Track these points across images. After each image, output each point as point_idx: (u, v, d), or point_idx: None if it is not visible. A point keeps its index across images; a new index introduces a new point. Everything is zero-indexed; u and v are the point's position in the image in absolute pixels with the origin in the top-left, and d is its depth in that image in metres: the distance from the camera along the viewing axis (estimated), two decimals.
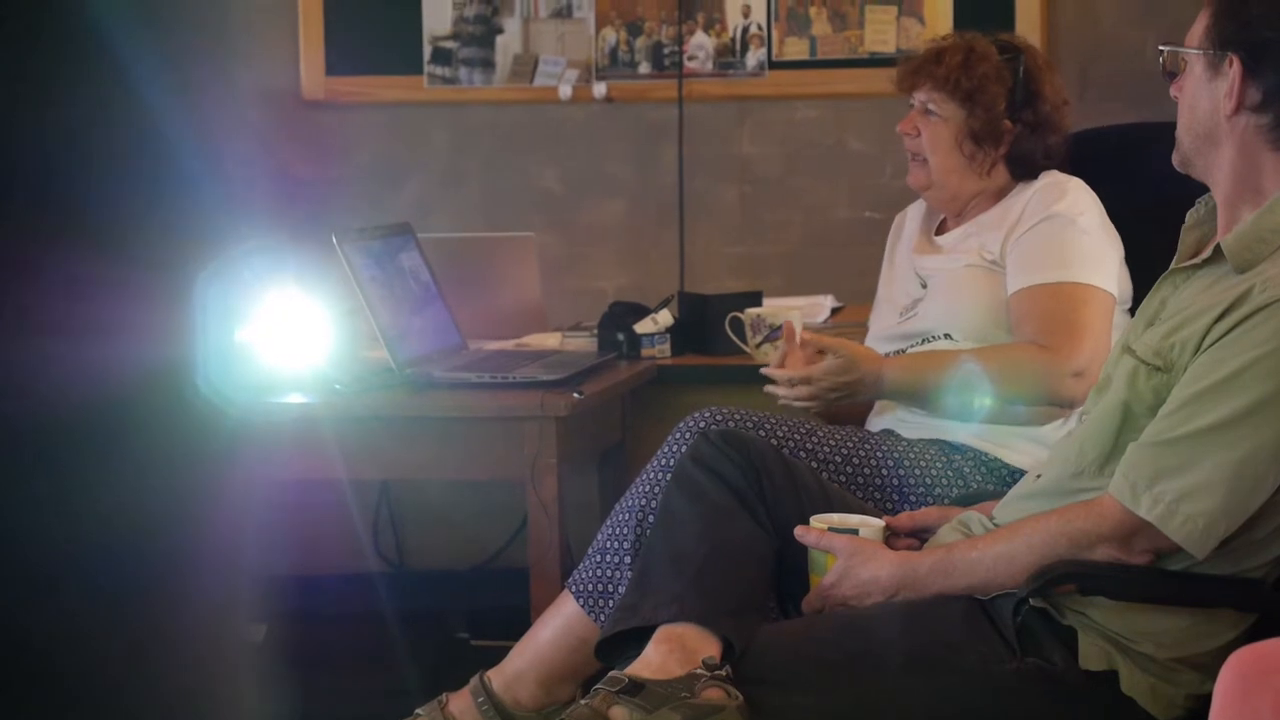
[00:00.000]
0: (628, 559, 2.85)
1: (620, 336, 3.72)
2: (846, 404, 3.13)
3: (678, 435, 2.91)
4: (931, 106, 3.21)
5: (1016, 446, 3.04)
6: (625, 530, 2.89)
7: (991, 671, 2.35)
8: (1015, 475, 2.88)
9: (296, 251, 3.42)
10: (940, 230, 3.31)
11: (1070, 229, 3.07)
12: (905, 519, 2.69)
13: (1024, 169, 3.21)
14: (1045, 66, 3.27)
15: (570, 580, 2.95)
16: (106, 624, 0.69)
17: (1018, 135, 3.19)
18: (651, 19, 4.61)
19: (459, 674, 3.00)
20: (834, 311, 4.04)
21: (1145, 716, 2.32)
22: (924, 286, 3.23)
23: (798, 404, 3.06)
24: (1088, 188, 3.14)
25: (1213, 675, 1.88)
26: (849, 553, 2.50)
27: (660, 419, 3.45)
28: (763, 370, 3.10)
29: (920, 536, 2.66)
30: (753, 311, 3.63)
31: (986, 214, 3.21)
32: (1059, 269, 3.04)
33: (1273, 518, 2.29)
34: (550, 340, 3.82)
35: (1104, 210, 3.12)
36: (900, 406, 3.15)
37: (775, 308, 3.70)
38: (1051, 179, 3.17)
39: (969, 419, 3.05)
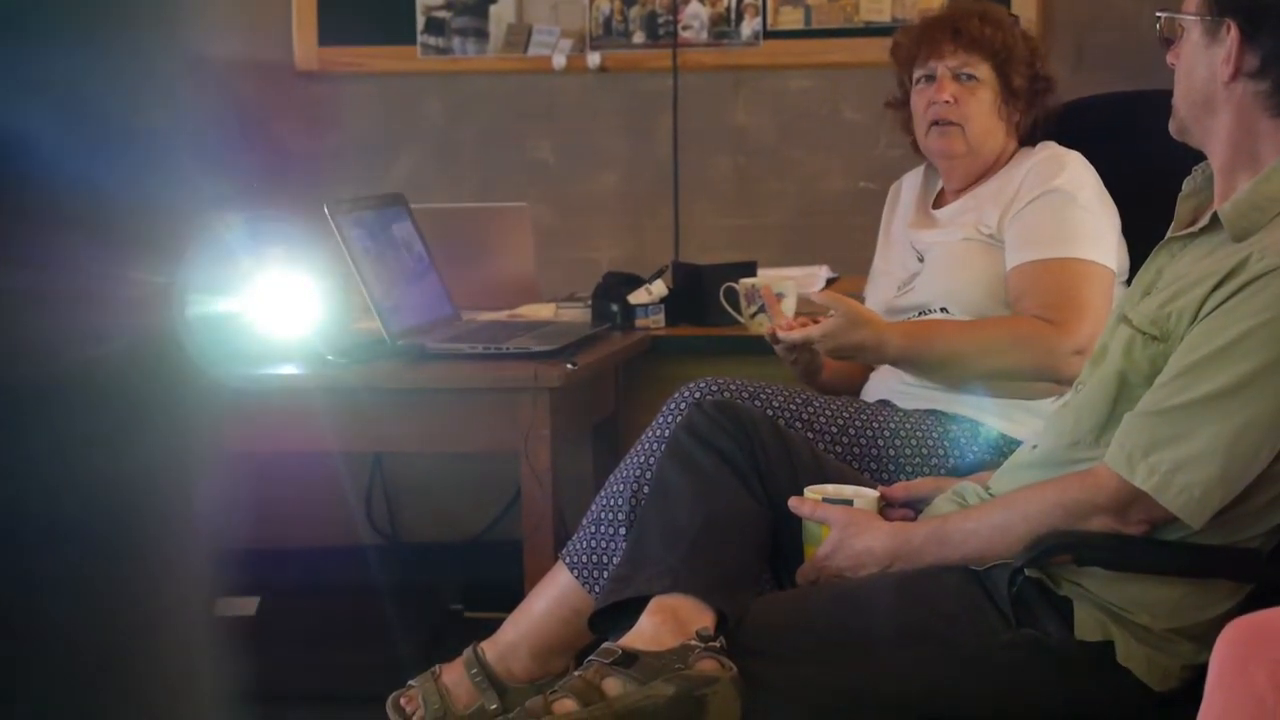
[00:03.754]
0: (622, 530, 2.85)
1: (614, 307, 3.71)
2: (848, 362, 3.14)
3: (672, 406, 2.90)
4: (969, 70, 3.19)
5: (1013, 417, 3.03)
6: (619, 501, 2.89)
7: (987, 642, 2.34)
8: (1011, 446, 2.87)
9: (289, 222, 3.41)
10: (938, 204, 3.30)
11: (1071, 205, 3.06)
12: (900, 489, 2.69)
13: (1030, 132, 3.23)
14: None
15: (564, 551, 2.95)
16: (95, 596, 0.68)
17: (1033, 97, 3.22)
18: None
19: (452, 646, 3.00)
20: (829, 282, 4.02)
21: (1141, 687, 2.31)
22: (920, 260, 3.22)
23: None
24: (1085, 160, 3.13)
25: (1208, 645, 1.87)
26: (843, 523, 2.50)
27: (654, 390, 3.45)
28: (767, 335, 3.06)
29: (915, 507, 2.65)
30: (747, 282, 3.62)
31: (984, 186, 3.20)
32: (1061, 245, 3.03)
33: (1269, 488, 2.28)
34: (544, 311, 3.81)
35: (1101, 183, 3.11)
36: (896, 377, 3.14)
37: (770, 278, 3.69)
38: (1049, 151, 3.16)
39: (968, 389, 3.04)
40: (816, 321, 3.00)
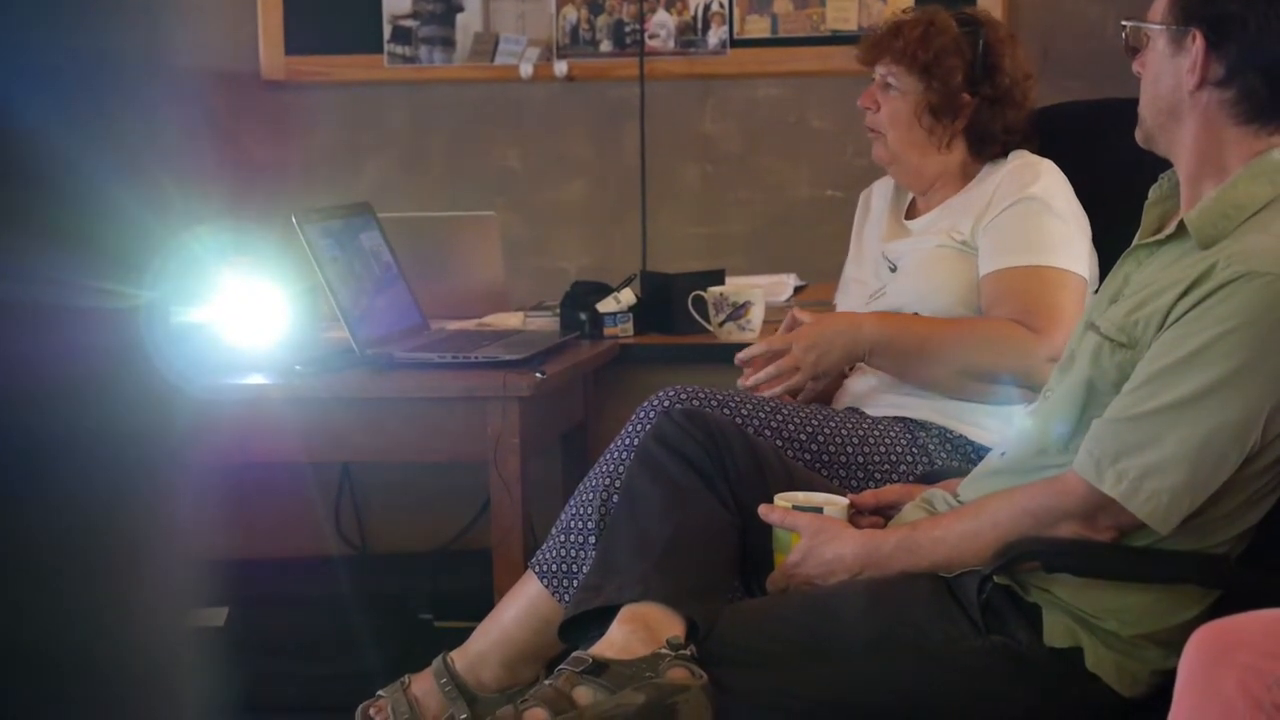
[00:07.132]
0: (591, 539, 2.85)
1: (583, 316, 3.71)
2: (831, 367, 3.10)
3: (641, 414, 2.90)
4: (891, 80, 3.20)
5: (981, 424, 3.04)
6: (589, 510, 2.88)
7: (956, 649, 2.35)
8: (980, 452, 2.88)
9: (257, 232, 3.40)
10: (910, 214, 3.30)
11: (1046, 213, 3.06)
12: (869, 497, 2.69)
13: (983, 144, 3.21)
14: (1007, 39, 3.25)
15: (534, 560, 2.94)
16: (63, 609, 0.68)
17: (976, 109, 3.18)
18: None
19: (422, 655, 2.99)
20: (797, 290, 4.04)
21: (1110, 693, 2.32)
22: (893, 270, 3.22)
23: (790, 382, 3.02)
24: (1058, 169, 3.13)
25: (1177, 651, 1.88)
26: (813, 531, 2.50)
27: (623, 398, 3.45)
28: (738, 357, 3.05)
29: (885, 514, 2.65)
30: (715, 290, 3.63)
31: (956, 197, 3.20)
32: (1036, 252, 3.03)
33: (1236, 494, 2.29)
34: (512, 320, 3.81)
35: (1073, 191, 3.12)
36: (865, 385, 3.15)
37: (738, 286, 3.69)
38: (1023, 160, 3.16)
39: (936, 394, 3.04)
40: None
